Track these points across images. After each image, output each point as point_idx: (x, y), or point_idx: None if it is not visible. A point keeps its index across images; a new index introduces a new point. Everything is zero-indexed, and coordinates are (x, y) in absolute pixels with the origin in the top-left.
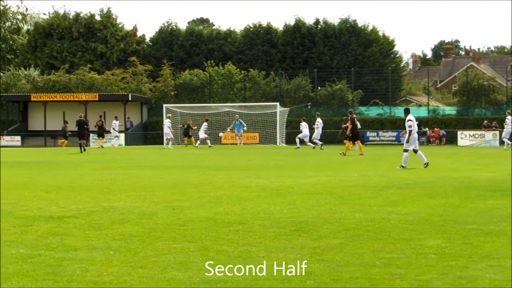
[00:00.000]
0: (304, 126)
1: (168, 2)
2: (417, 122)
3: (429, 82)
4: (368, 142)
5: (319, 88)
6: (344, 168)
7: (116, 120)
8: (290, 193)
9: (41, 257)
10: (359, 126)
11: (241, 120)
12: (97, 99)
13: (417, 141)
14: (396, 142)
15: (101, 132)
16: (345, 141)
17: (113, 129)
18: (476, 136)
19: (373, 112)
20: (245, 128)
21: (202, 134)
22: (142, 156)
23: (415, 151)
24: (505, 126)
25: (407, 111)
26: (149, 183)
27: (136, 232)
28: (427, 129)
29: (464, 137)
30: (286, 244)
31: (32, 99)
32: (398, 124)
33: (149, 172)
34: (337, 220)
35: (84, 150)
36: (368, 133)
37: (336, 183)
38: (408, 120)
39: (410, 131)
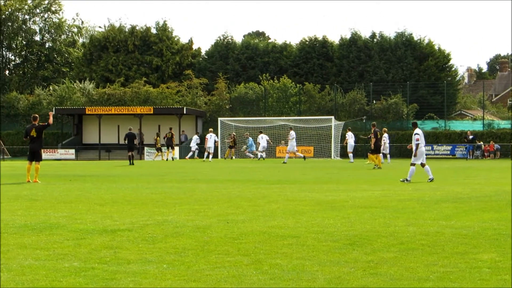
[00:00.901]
0: (350, 136)
1: (224, 15)
2: (471, 136)
3: (484, 96)
4: None
5: (374, 101)
6: (398, 182)
7: (197, 134)
8: (344, 206)
9: (94, 271)
10: (387, 139)
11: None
12: (152, 112)
13: (424, 155)
14: (451, 156)
15: (170, 143)
16: (369, 155)
17: (195, 143)
18: None
19: (428, 126)
20: (252, 147)
21: (263, 145)
22: (196, 170)
23: (422, 165)
24: None
25: (414, 125)
26: (203, 196)
27: (189, 245)
28: (481, 143)
29: None
30: (340, 258)
31: (86, 112)
32: (453, 138)
33: (203, 185)
34: (391, 233)
35: (133, 163)
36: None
37: (390, 197)
38: (415, 134)
39: (417, 145)
